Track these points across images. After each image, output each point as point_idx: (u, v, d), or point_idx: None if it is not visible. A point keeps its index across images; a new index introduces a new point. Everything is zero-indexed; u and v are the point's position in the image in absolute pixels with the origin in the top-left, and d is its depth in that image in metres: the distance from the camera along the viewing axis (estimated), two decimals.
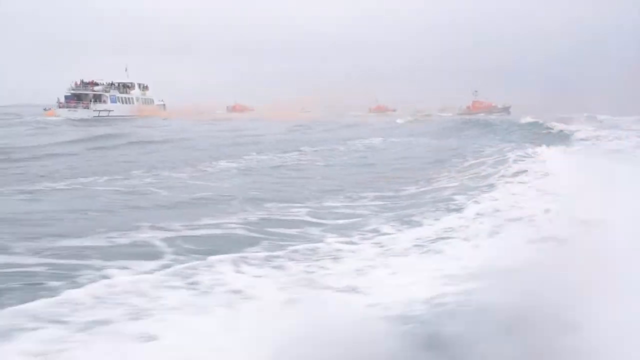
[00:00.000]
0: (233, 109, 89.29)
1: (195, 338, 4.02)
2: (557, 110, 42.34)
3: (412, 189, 10.77)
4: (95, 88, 54.53)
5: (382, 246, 6.48)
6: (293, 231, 7.17)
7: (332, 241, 6.57)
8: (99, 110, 52.94)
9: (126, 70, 60.94)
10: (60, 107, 52.52)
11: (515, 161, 13.71)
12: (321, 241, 6.57)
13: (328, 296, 4.83)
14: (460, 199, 9.14)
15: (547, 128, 26.01)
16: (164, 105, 66.26)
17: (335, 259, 5.89)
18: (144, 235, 6.69)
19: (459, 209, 8.33)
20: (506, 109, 76.97)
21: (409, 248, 6.38)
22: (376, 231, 7.17)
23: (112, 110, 54.40)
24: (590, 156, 15.75)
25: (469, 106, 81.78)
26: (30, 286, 4.95)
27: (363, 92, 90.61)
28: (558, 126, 25.36)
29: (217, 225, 7.37)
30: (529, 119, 31.51)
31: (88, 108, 52.25)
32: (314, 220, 7.90)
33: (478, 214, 7.84)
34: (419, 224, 7.51)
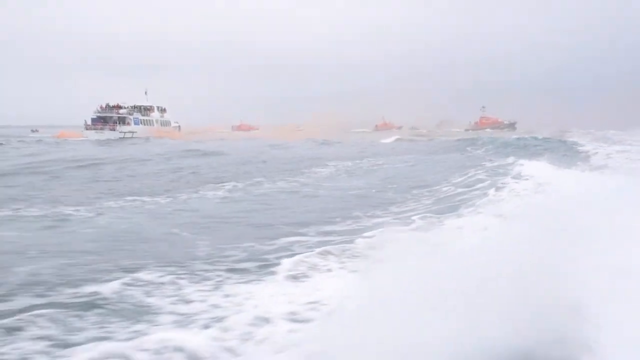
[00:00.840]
0: (238, 128, 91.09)
1: None
2: (554, 125, 45.43)
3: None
4: (120, 111, 56.03)
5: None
6: (468, 196, 9.73)
7: (492, 192, 9.82)
8: (124, 132, 54.36)
9: (146, 93, 62.47)
10: (87, 129, 53.83)
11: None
12: (486, 195, 9.57)
13: None
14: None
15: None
16: (179, 126, 67.76)
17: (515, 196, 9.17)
18: (379, 219, 8.63)
19: None
20: (512, 125, 78.80)
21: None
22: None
23: (136, 132, 55.81)
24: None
25: (476, 122, 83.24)
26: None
27: (369, 110, 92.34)
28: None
29: (412, 210, 9.41)
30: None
31: (114, 130, 53.67)
32: (467, 188, 10.88)
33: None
34: None
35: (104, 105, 56.13)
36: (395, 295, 4.43)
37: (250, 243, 7.01)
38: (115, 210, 10.04)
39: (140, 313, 4.47)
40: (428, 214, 8.65)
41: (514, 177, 11.87)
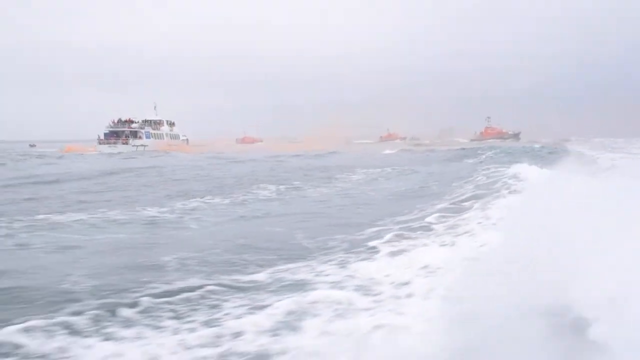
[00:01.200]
0: (242, 140, 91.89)
1: None
2: (556, 134, 46.94)
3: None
4: (132, 125, 56.88)
5: None
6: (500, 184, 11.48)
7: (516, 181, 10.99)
8: (137, 146, 55.09)
9: (155, 108, 63.32)
10: (100, 144, 54.56)
11: None
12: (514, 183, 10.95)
13: None
14: None
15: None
16: (187, 140, 68.59)
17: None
18: (440, 205, 9.62)
19: None
20: (516, 135, 79.07)
21: None
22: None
23: (147, 145, 56.50)
24: None
25: (482, 132, 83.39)
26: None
27: (373, 121, 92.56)
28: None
29: (461, 195, 10.48)
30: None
31: (127, 144, 54.43)
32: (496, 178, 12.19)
33: None
34: None
35: (115, 120, 56.96)
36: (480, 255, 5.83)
37: (341, 235, 7.82)
38: (190, 212, 10.83)
39: (297, 285, 5.30)
40: (477, 200, 9.77)
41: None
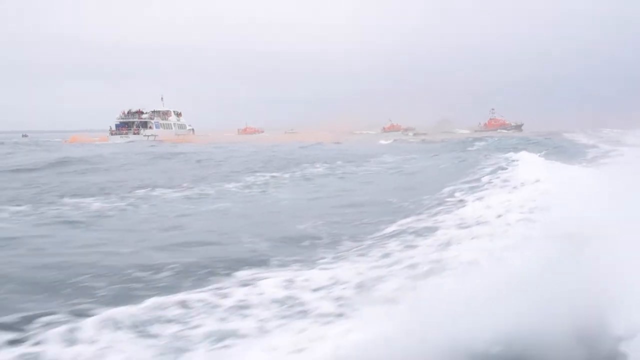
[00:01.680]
0: (243, 131, 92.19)
1: None
2: (557, 126, 48.66)
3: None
4: (142, 116, 57.57)
5: None
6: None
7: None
8: (147, 136, 55.82)
9: (162, 99, 63.86)
10: (112, 135, 55.21)
11: None
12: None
13: None
14: None
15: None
16: (192, 129, 69.28)
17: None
18: (486, 169, 10.88)
19: None
20: (519, 127, 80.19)
21: None
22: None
23: (157, 135, 57.21)
24: None
25: (485, 123, 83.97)
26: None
27: (375, 113, 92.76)
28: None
29: (495, 163, 11.80)
30: None
31: (138, 134, 55.18)
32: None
33: None
34: None
35: (126, 112, 57.61)
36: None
37: (425, 196, 8.94)
38: (265, 186, 11.94)
39: (427, 229, 6.40)
40: (509, 165, 11.42)
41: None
